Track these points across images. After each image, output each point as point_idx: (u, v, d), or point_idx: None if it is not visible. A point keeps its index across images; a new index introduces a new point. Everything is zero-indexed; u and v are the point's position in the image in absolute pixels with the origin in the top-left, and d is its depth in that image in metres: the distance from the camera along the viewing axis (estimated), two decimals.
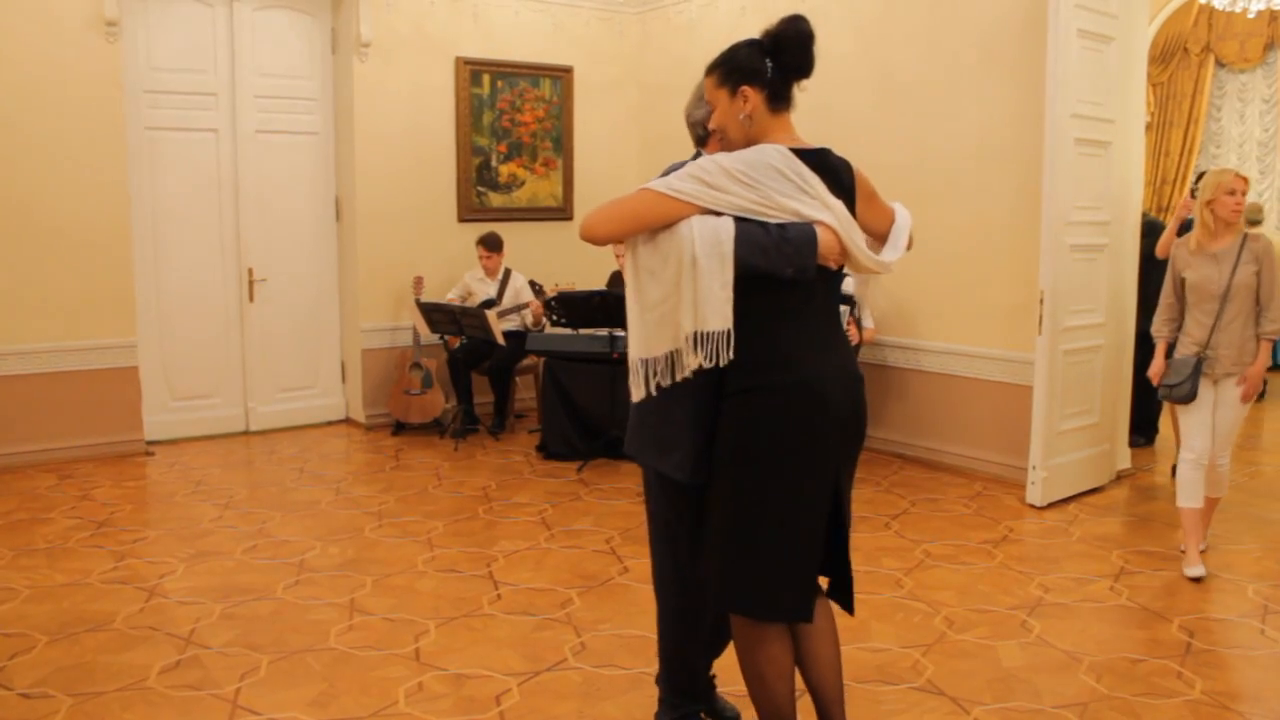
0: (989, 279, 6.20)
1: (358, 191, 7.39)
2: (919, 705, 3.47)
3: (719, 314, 2.51)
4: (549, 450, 6.65)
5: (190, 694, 3.50)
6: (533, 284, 7.32)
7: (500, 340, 6.87)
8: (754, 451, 2.61)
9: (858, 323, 6.42)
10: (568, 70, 8.24)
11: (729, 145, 2.71)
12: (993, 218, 6.16)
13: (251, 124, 7.18)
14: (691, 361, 2.54)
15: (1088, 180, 5.69)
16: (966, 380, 6.39)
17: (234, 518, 5.42)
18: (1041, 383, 5.62)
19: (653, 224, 2.54)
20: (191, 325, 7.09)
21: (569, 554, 4.91)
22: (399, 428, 7.30)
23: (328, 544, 5.02)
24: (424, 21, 7.53)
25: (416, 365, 7.25)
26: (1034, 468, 5.68)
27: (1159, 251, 6.14)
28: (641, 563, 4.76)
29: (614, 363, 6.51)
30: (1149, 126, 10.91)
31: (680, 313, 2.53)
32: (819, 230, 2.57)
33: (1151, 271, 6.48)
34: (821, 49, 6.75)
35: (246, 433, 7.29)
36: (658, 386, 2.60)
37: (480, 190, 7.92)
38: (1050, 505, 5.67)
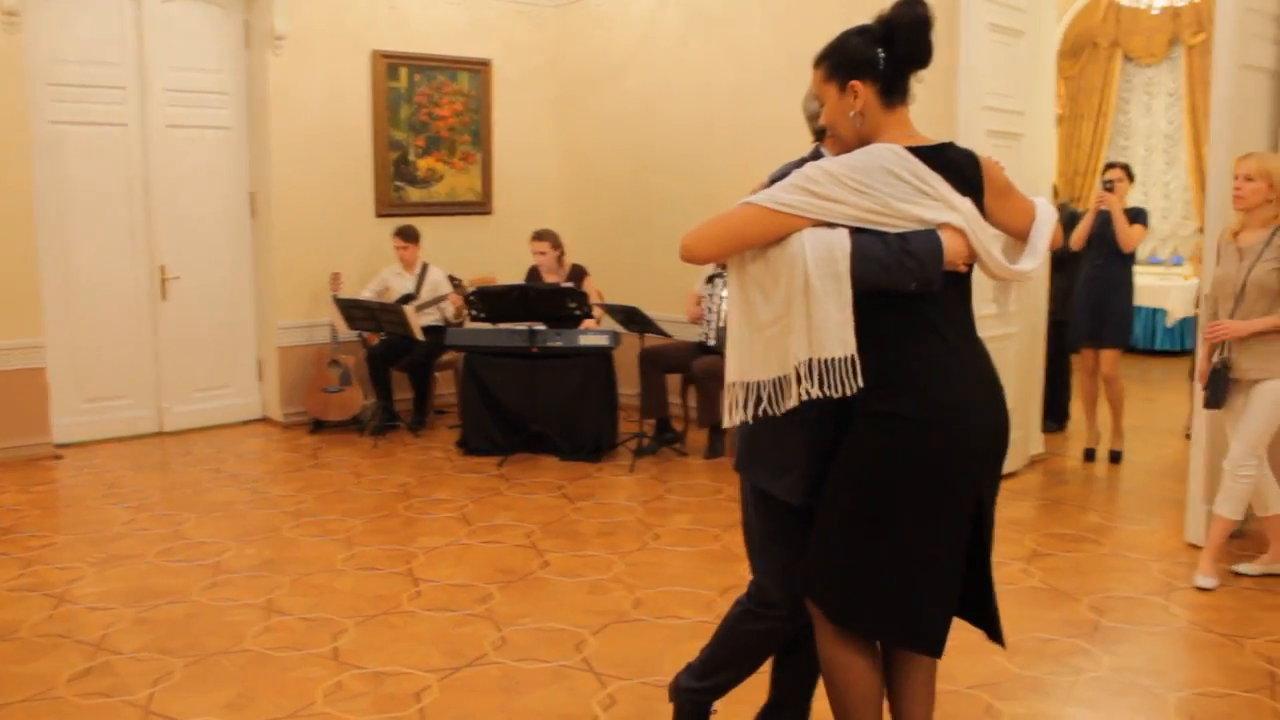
0: None
1: (273, 187, 7.27)
2: None
3: (838, 339, 2.27)
4: (469, 446, 6.62)
5: (101, 701, 3.42)
6: (451, 278, 7.28)
7: (419, 336, 6.81)
8: (884, 483, 2.38)
9: None
10: (486, 63, 8.19)
11: (841, 143, 2.47)
12: None
13: (162, 118, 7.02)
14: (806, 390, 2.29)
15: None
16: None
17: (147, 520, 5.31)
18: None
19: (758, 242, 2.32)
20: (101, 324, 6.92)
21: (489, 549, 4.89)
22: (317, 426, 7.21)
23: (244, 545, 4.94)
24: (339, 14, 7.43)
25: (334, 362, 7.16)
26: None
27: (1074, 244, 6.29)
28: (562, 556, 4.77)
29: (533, 356, 6.49)
30: (1061, 119, 11.17)
31: (792, 337, 2.31)
32: (944, 236, 2.31)
33: (1066, 262, 6.65)
34: (737, 40, 6.79)
35: (160, 434, 7.14)
36: (763, 411, 2.37)
37: (398, 185, 7.84)
38: None
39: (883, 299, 2.31)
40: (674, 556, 4.80)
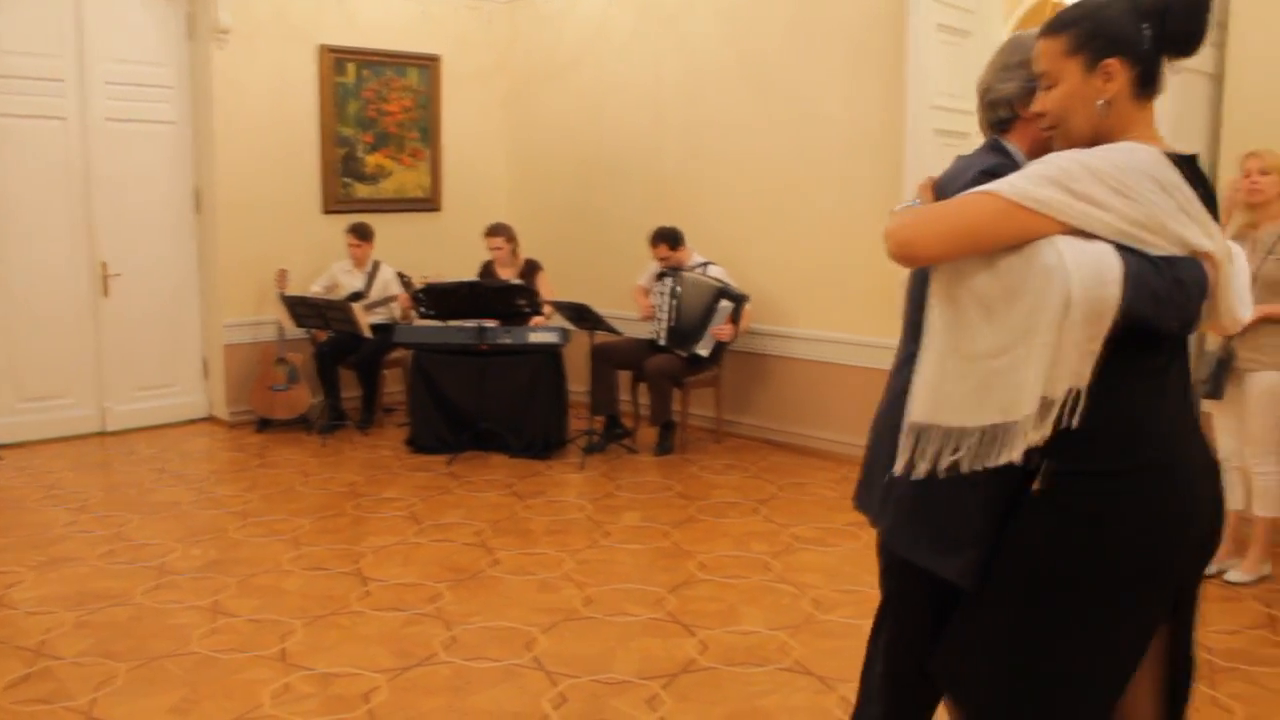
0: (855, 266, 6.33)
1: (218, 183, 7.16)
2: (787, 685, 3.53)
3: (1074, 372, 1.82)
4: (418, 444, 6.57)
5: (41, 709, 3.35)
6: (401, 276, 7.22)
7: (367, 334, 6.75)
8: (1086, 560, 1.89)
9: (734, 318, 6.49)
10: (435, 59, 8.13)
11: (1067, 139, 1.97)
12: (856, 205, 6.30)
13: (103, 112, 6.89)
14: (1031, 438, 1.84)
15: None
16: (833, 366, 6.52)
17: (89, 522, 5.21)
18: None
19: (993, 245, 1.82)
20: (40, 322, 6.78)
21: (438, 548, 4.86)
22: (264, 425, 7.12)
23: (189, 546, 4.87)
24: (285, 8, 7.34)
25: (281, 360, 7.08)
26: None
27: None
28: (512, 554, 4.75)
29: (482, 354, 6.46)
30: None
31: (1025, 372, 1.81)
32: (1206, 268, 1.89)
33: None
34: (687, 38, 6.80)
35: (102, 433, 7.02)
36: (953, 467, 1.87)
37: (346, 181, 7.76)
38: None
39: (1126, 337, 1.84)
40: (624, 554, 4.80)
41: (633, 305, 6.92)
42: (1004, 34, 6.92)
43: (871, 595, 4.26)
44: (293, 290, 7.05)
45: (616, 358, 6.67)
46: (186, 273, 7.36)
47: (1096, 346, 1.81)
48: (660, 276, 6.65)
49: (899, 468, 1.93)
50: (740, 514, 5.38)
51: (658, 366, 6.43)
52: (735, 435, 6.97)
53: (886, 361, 6.06)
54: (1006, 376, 1.82)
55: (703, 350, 6.49)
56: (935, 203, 1.92)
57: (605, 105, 7.71)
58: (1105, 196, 1.80)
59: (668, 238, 6.62)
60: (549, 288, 6.96)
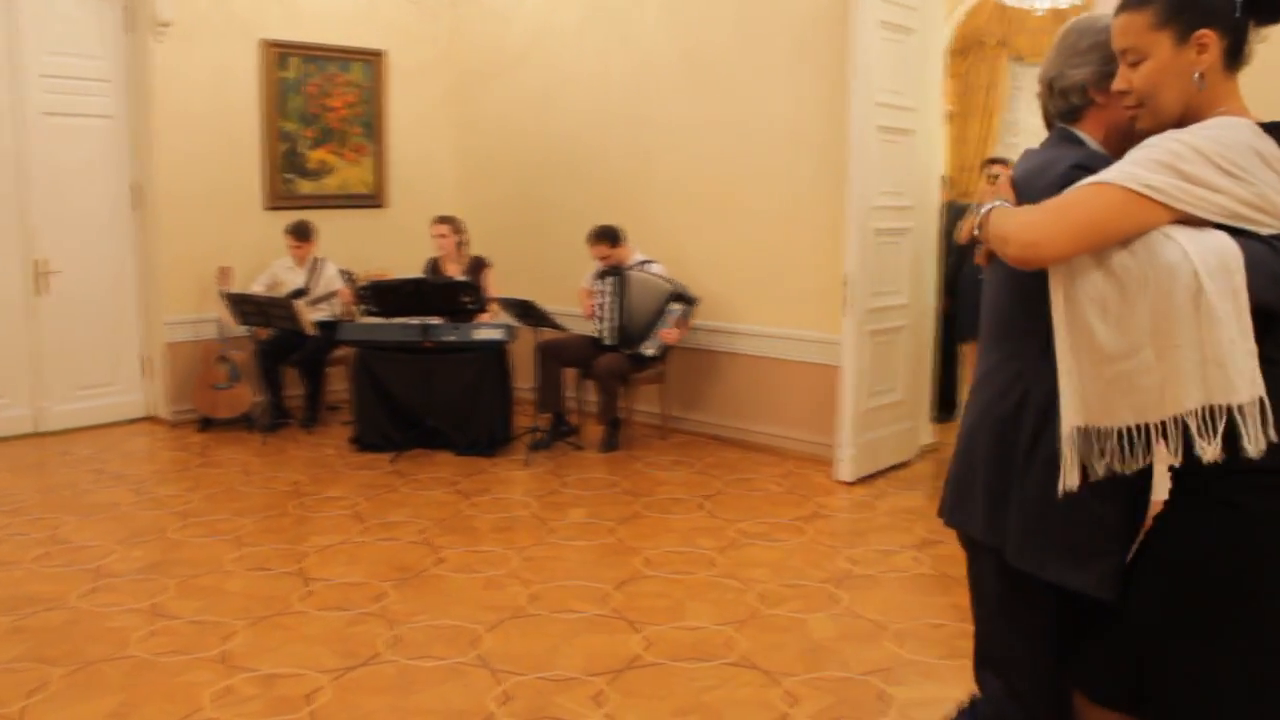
0: (798, 262, 6.37)
1: (158, 179, 7.05)
2: (733, 680, 3.55)
3: (1248, 377, 1.72)
4: (363, 442, 6.51)
5: None
6: (344, 273, 7.15)
7: (310, 331, 6.68)
8: (1251, 582, 1.79)
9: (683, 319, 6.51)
10: (379, 54, 8.06)
11: (1154, 116, 1.90)
12: (801, 202, 6.33)
13: (38, 105, 6.75)
14: (1209, 448, 1.74)
15: (890, 166, 5.90)
16: (778, 362, 6.55)
17: (23, 524, 5.11)
18: (848, 363, 5.81)
19: (1118, 238, 1.75)
20: None
21: (383, 546, 4.82)
22: (206, 424, 7.02)
23: (129, 547, 4.79)
24: (226, 1, 7.24)
25: (223, 358, 6.99)
26: (842, 445, 5.87)
27: (959, 237, 6.45)
28: (457, 552, 4.72)
29: (427, 351, 6.42)
30: (953, 116, 11.42)
31: (1173, 376, 1.75)
32: None
33: (950, 254, 6.82)
34: (634, 34, 6.77)
35: (38, 434, 6.88)
36: (1106, 470, 1.83)
37: (288, 177, 7.67)
38: (858, 481, 5.87)
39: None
40: (570, 550, 4.79)
41: (580, 302, 6.91)
42: (946, 31, 7.01)
43: (817, 589, 4.32)
44: (235, 287, 6.96)
45: (563, 355, 6.66)
46: (126, 270, 7.24)
47: (1252, 343, 1.72)
48: (601, 275, 6.63)
49: (1071, 481, 1.85)
50: (686, 510, 5.40)
51: (605, 366, 6.42)
52: (682, 431, 6.98)
53: (831, 356, 6.18)
54: (1138, 378, 1.76)
55: (649, 351, 6.49)
56: (1046, 201, 1.82)
57: (551, 101, 7.69)
58: (1216, 178, 1.74)
59: (606, 236, 6.62)
60: (495, 285, 6.93)
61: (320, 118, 7.80)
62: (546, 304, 6.64)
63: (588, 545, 4.87)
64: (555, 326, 6.56)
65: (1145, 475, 1.87)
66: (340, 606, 4.13)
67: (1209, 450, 1.73)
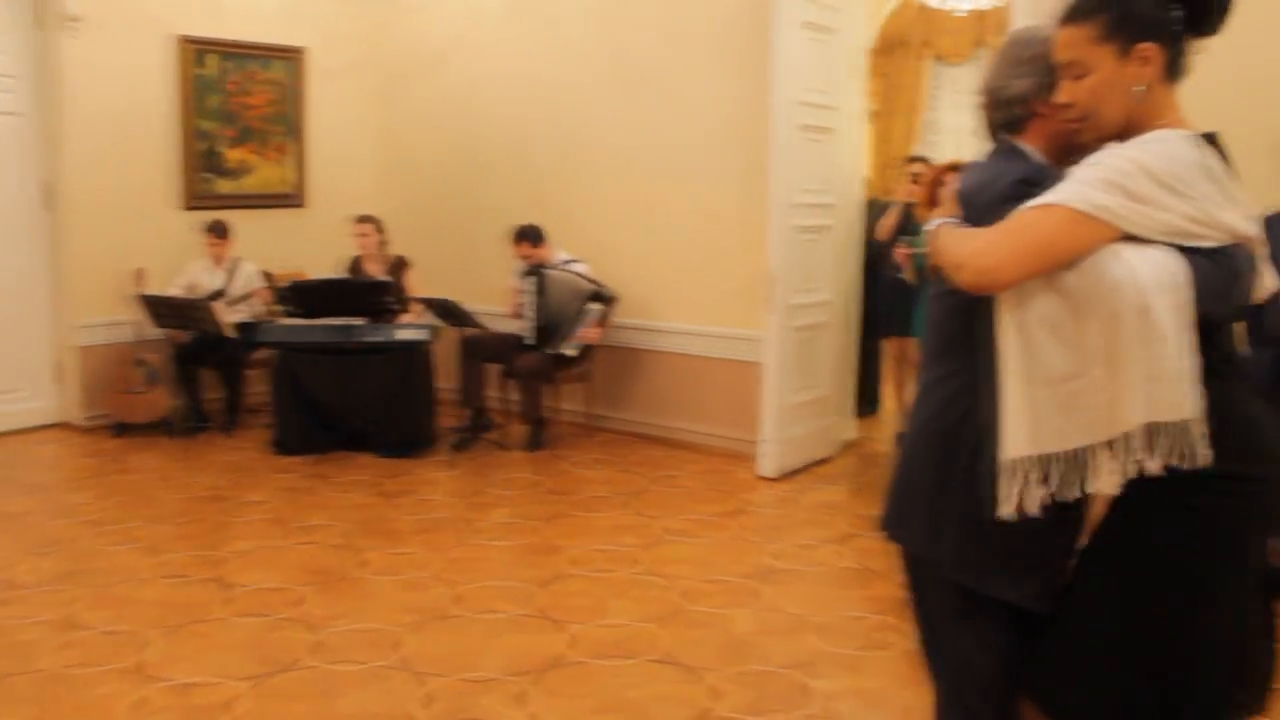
0: (721, 260, 6.41)
1: (70, 178, 6.88)
2: (656, 676, 3.57)
3: (1188, 396, 1.77)
4: (283, 445, 6.41)
5: None
6: (263, 273, 7.04)
7: (229, 333, 6.58)
8: (1200, 566, 1.86)
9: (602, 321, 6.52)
10: (300, 51, 7.95)
11: (1096, 129, 1.91)
12: (724, 200, 6.38)
13: None
14: (1150, 464, 1.79)
15: (812, 165, 5.96)
16: (702, 359, 6.59)
17: None
18: (771, 359, 5.87)
19: (1069, 259, 1.76)
20: None
21: (304, 550, 4.76)
22: (121, 429, 6.87)
23: (38, 558, 4.67)
24: None
25: (139, 362, 6.84)
26: (765, 441, 5.93)
27: (880, 234, 6.54)
28: (379, 554, 4.69)
29: (349, 352, 6.35)
30: (877, 115, 11.57)
31: (1121, 394, 1.78)
32: (1252, 253, 1.87)
33: (874, 251, 6.89)
34: (560, 34, 6.73)
35: None
36: (1046, 498, 1.84)
37: (206, 176, 7.54)
38: (781, 477, 5.93)
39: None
40: (494, 551, 4.78)
41: (502, 301, 6.89)
42: (867, 31, 7.09)
43: (740, 585, 4.36)
44: (151, 289, 6.82)
45: (485, 352, 6.63)
46: (36, 271, 7.05)
47: (1190, 362, 1.76)
48: (524, 274, 6.61)
49: (1009, 510, 1.85)
50: (610, 508, 5.41)
51: (526, 365, 6.41)
52: (606, 430, 6.99)
53: (755, 353, 6.22)
54: (1088, 397, 1.78)
55: (569, 351, 6.49)
56: (998, 225, 1.82)
57: (475, 100, 7.65)
58: (1163, 197, 1.75)
59: (528, 235, 6.60)
60: (417, 284, 6.87)
61: (240, 116, 7.68)
62: (470, 303, 6.61)
63: (511, 545, 4.86)
64: (476, 326, 6.53)
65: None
66: (259, 612, 4.08)
67: (1151, 465, 1.78)
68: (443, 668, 3.61)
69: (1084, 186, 1.77)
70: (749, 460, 6.11)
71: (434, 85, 7.91)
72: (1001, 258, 1.76)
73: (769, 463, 5.92)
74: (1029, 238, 1.75)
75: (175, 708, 3.34)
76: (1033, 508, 1.83)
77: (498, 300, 6.97)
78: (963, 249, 1.82)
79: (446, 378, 6.94)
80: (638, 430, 6.92)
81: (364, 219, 6.89)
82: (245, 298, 6.97)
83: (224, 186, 7.64)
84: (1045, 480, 1.82)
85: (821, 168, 6.07)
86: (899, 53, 12.18)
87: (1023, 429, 1.83)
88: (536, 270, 6.55)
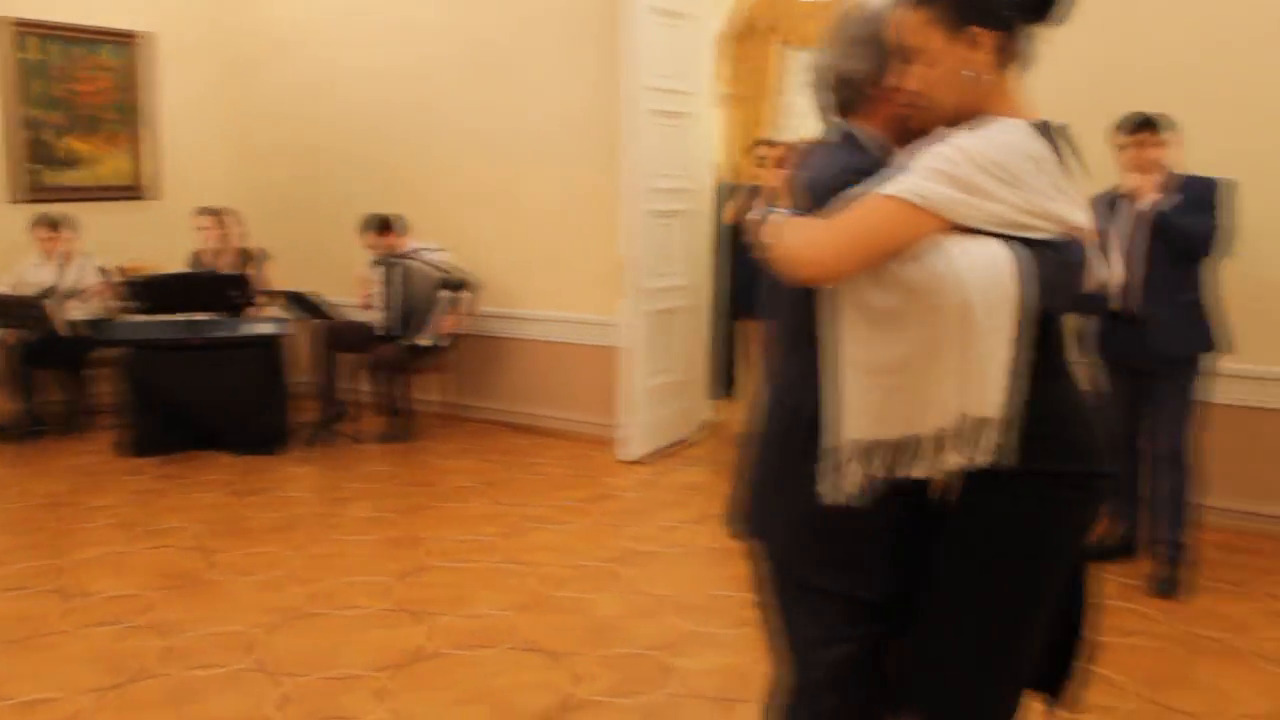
0: (578, 246, 6.42)
1: None
2: (519, 664, 3.57)
3: (1000, 391, 1.75)
4: (131, 447, 6.18)
5: None
6: (103, 268, 6.76)
7: (64, 331, 6.31)
8: (1037, 561, 1.89)
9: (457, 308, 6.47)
10: (134, 35, 7.63)
11: (929, 114, 1.88)
12: (581, 186, 6.39)
13: None
14: (953, 458, 1.79)
15: (666, 150, 6.01)
16: (562, 346, 6.60)
17: None
18: (628, 344, 5.91)
19: (897, 250, 1.72)
20: None
21: (154, 554, 4.61)
22: None
23: None
24: None
25: None
26: (625, 426, 5.98)
27: (724, 217, 6.63)
28: (233, 555, 4.57)
29: (198, 348, 6.16)
30: (732, 99, 11.71)
31: (936, 386, 1.76)
32: (1084, 245, 1.85)
33: (721, 235, 6.98)
34: (410, 19, 6.60)
35: None
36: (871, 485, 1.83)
37: (36, 168, 7.19)
38: (642, 460, 5.99)
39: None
40: (352, 546, 4.71)
41: (358, 291, 6.77)
42: (719, 16, 7.18)
43: (601, 568, 4.39)
44: None
45: (343, 344, 6.51)
46: None
47: (1009, 354, 1.73)
48: (375, 264, 6.49)
49: (832, 498, 1.85)
50: (472, 498, 5.38)
51: (384, 356, 6.32)
52: (468, 419, 6.95)
53: (613, 339, 6.25)
54: (909, 392, 1.76)
55: (425, 341, 6.42)
56: (827, 218, 1.78)
57: (328, 87, 7.48)
58: (993, 187, 1.72)
59: (376, 225, 6.49)
60: (270, 276, 6.70)
61: (72, 103, 7.35)
62: (330, 293, 6.49)
63: (370, 539, 4.79)
64: (329, 317, 6.41)
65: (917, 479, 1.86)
66: (108, 621, 3.94)
67: (957, 460, 1.77)
68: (301, 667, 3.55)
69: (913, 177, 1.74)
70: (611, 445, 6.15)
71: (285, 71, 7.71)
72: (829, 251, 1.73)
73: (630, 447, 5.97)
74: (857, 231, 1.72)
75: None
76: (855, 496, 1.83)
77: (353, 288, 6.84)
78: (794, 242, 1.79)
79: (304, 372, 6.80)
80: (500, 419, 6.90)
81: (205, 211, 6.67)
82: (80, 293, 6.67)
83: (58, 178, 7.31)
84: (868, 468, 1.82)
85: (675, 153, 6.13)
86: (752, 37, 12.36)
87: (848, 416, 1.82)
88: (387, 260, 6.45)
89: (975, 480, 1.84)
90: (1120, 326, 4.14)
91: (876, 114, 1.97)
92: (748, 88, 12.49)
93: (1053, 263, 1.75)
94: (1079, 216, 1.80)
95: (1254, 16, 4.57)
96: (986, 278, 1.70)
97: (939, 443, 1.77)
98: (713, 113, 6.83)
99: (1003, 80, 1.85)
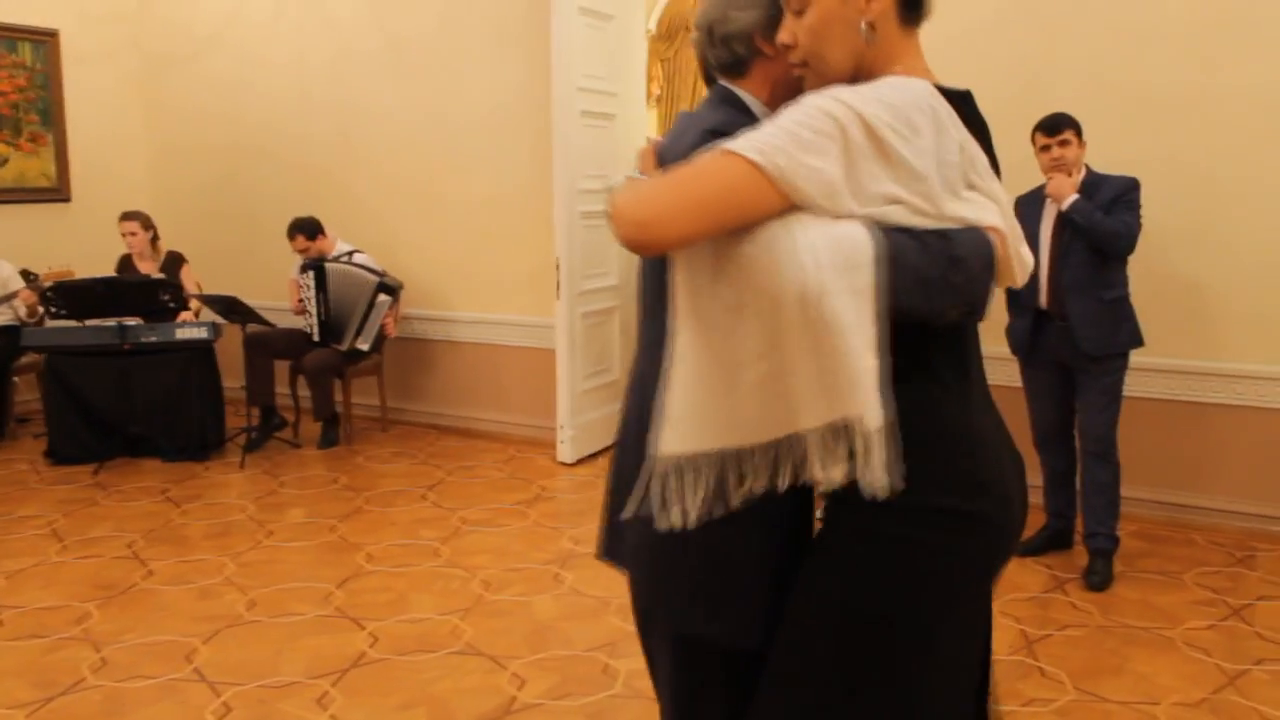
0: (510, 247, 6.42)
1: None
2: (459, 668, 3.58)
3: (873, 396, 1.42)
4: (58, 454, 6.07)
5: None
6: (25, 273, 6.61)
7: None
8: (900, 608, 1.57)
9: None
10: (52, 34, 7.48)
11: (821, 75, 1.61)
12: (510, 187, 6.39)
13: None
14: (832, 472, 1.46)
15: (595, 150, 6.03)
16: (496, 348, 6.60)
17: None
18: (563, 345, 5.93)
19: (741, 220, 1.43)
20: None
21: (85, 565, 4.54)
22: None
23: None
24: None
25: None
26: (562, 427, 5.99)
27: None
28: (168, 564, 4.52)
29: (126, 354, 6.05)
30: (660, 99, 11.77)
31: (790, 381, 1.46)
32: (993, 238, 1.54)
33: None
34: (332, 16, 6.54)
35: None
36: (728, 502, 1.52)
37: None
38: (579, 461, 6.01)
39: (904, 333, 1.48)
40: (289, 552, 4.68)
41: (285, 295, 6.70)
42: (646, 17, 7.22)
43: (541, 571, 4.41)
44: None
45: (272, 348, 6.44)
46: None
47: (876, 358, 1.42)
48: (304, 269, 6.43)
49: (673, 520, 1.53)
50: (408, 501, 5.37)
51: (315, 361, 6.25)
52: (402, 423, 6.92)
53: (547, 340, 6.27)
54: (771, 386, 1.48)
55: (364, 345, 6.37)
56: (662, 174, 1.49)
57: (248, 86, 7.39)
58: (864, 154, 1.45)
59: (303, 228, 6.41)
60: (194, 280, 6.61)
61: None
62: (254, 298, 6.42)
63: (307, 545, 4.76)
64: (262, 321, 6.34)
65: (796, 500, 1.58)
66: (36, 634, 3.87)
67: (829, 475, 1.46)
68: (239, 676, 3.52)
69: (760, 133, 1.45)
70: (548, 447, 6.16)
71: (202, 70, 7.60)
72: (661, 210, 1.42)
73: (566, 448, 5.98)
74: (694, 189, 1.43)
75: None
76: (686, 520, 1.52)
77: (283, 294, 6.78)
78: (619, 199, 1.46)
79: (233, 376, 6.72)
80: (435, 422, 6.88)
81: (129, 216, 6.55)
82: (5, 299, 6.54)
83: None
84: (693, 486, 1.51)
85: (604, 153, 6.15)
86: (680, 37, 12.44)
87: (676, 422, 1.53)
88: (316, 264, 6.37)
89: (832, 512, 1.58)
90: (1046, 324, 4.26)
91: (765, 76, 1.73)
92: (682, 87, 12.60)
93: (935, 254, 1.46)
94: (983, 203, 1.54)
95: (1161, 17, 4.71)
96: (836, 262, 1.40)
97: (814, 451, 1.46)
98: (643, 113, 6.87)
99: (905, 37, 1.62)
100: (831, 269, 1.40)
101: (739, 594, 1.63)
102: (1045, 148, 4.18)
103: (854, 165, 1.43)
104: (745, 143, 1.44)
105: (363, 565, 4.51)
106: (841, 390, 1.43)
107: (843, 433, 1.44)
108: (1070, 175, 4.13)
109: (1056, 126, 4.16)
